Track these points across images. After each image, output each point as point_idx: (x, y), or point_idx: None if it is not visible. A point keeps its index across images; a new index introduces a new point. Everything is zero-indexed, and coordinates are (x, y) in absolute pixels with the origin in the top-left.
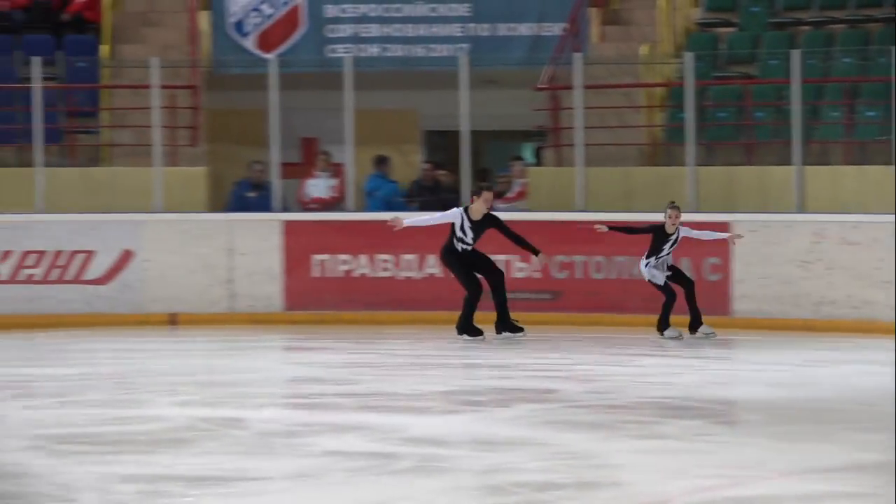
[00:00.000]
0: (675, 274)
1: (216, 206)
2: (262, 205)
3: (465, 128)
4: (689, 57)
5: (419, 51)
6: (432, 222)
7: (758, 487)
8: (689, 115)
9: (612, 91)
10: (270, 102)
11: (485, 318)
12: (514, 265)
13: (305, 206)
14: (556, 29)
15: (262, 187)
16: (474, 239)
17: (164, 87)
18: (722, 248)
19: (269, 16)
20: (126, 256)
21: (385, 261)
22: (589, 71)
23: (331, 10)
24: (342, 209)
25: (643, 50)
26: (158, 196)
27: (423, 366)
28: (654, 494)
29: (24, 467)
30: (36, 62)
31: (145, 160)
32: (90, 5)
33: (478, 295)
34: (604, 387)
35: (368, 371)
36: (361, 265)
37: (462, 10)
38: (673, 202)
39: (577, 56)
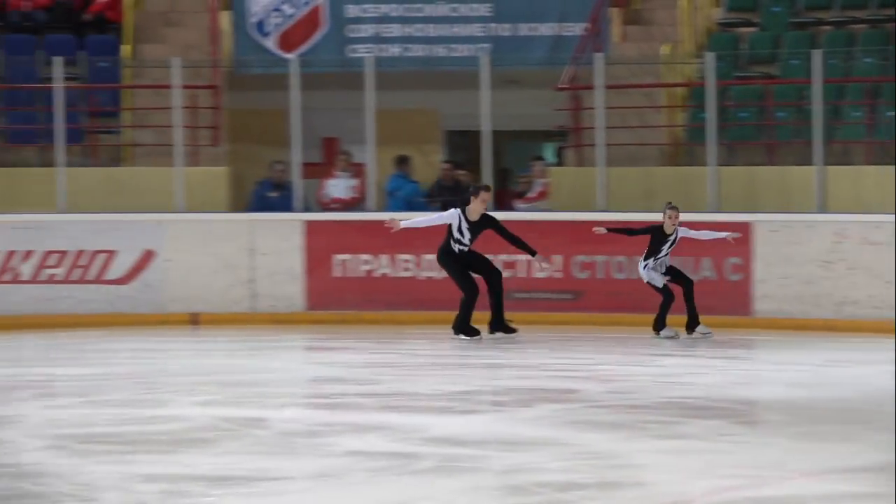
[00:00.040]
0: (674, 274)
1: (237, 206)
2: (284, 205)
3: (486, 128)
4: (710, 57)
5: (440, 51)
6: (429, 223)
7: (779, 488)
8: (711, 115)
9: (634, 91)
10: (291, 102)
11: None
12: (535, 265)
13: (325, 207)
14: (577, 29)
15: (283, 187)
16: (471, 240)
17: (185, 87)
18: (743, 248)
19: (291, 16)
20: (147, 256)
21: (406, 261)
22: (610, 71)
23: (352, 10)
24: (363, 209)
25: (664, 50)
26: (180, 196)
27: (445, 366)
28: (675, 494)
29: (45, 467)
30: (58, 62)
31: (167, 160)
32: (112, 5)
33: (475, 296)
34: (625, 387)
35: (390, 371)
36: (383, 265)
37: (483, 10)
38: (670, 202)
39: (599, 56)
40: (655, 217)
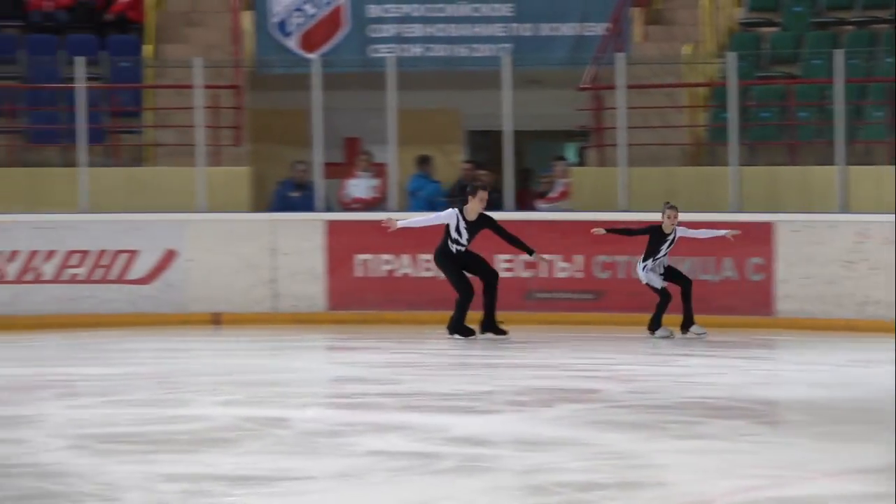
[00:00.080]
0: (672, 274)
1: (259, 206)
2: (305, 205)
3: (507, 128)
4: (731, 57)
5: (462, 51)
6: (427, 223)
7: (801, 488)
8: (732, 114)
9: (655, 91)
10: (313, 102)
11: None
12: (557, 265)
13: (347, 207)
14: (598, 29)
15: (305, 187)
16: (469, 240)
17: (207, 86)
18: (765, 248)
19: (312, 16)
20: (169, 256)
21: (427, 261)
22: (632, 71)
23: (374, 10)
24: (385, 209)
25: (686, 50)
26: (202, 196)
27: (466, 366)
28: (696, 494)
29: (67, 466)
30: (79, 62)
31: (188, 160)
32: (133, 5)
33: (470, 297)
34: (646, 387)
35: (411, 371)
36: (404, 265)
37: (505, 9)
38: (668, 202)
39: (620, 56)
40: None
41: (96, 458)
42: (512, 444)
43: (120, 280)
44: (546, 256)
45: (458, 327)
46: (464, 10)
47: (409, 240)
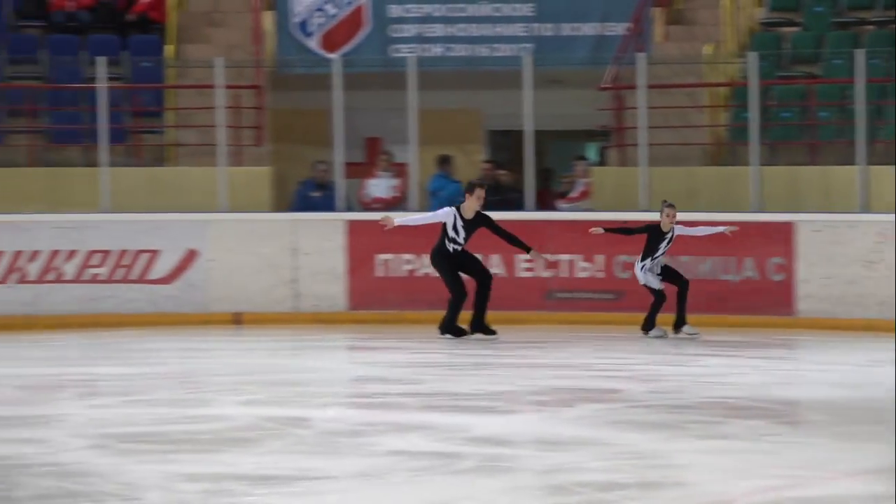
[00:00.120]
0: (669, 274)
1: (280, 206)
2: (326, 204)
3: (528, 127)
4: (752, 56)
5: (483, 50)
6: (424, 221)
7: (821, 488)
8: (753, 114)
9: (676, 91)
10: (334, 102)
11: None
12: (578, 265)
13: (367, 207)
14: (619, 29)
15: (325, 187)
16: (466, 238)
17: (228, 86)
18: (786, 248)
19: (333, 16)
20: (190, 256)
21: None
22: (652, 70)
23: (395, 10)
24: (405, 209)
25: (707, 49)
26: (223, 196)
27: (487, 365)
28: (717, 494)
29: (88, 466)
30: (101, 62)
31: (210, 160)
32: (155, 5)
33: (463, 298)
34: (667, 387)
35: (432, 371)
36: (425, 265)
37: (526, 9)
38: (666, 200)
39: (641, 56)
40: (700, 217)
41: (117, 458)
42: (532, 444)
43: (141, 280)
44: (564, 256)
45: (449, 327)
46: (485, 9)
47: (430, 240)
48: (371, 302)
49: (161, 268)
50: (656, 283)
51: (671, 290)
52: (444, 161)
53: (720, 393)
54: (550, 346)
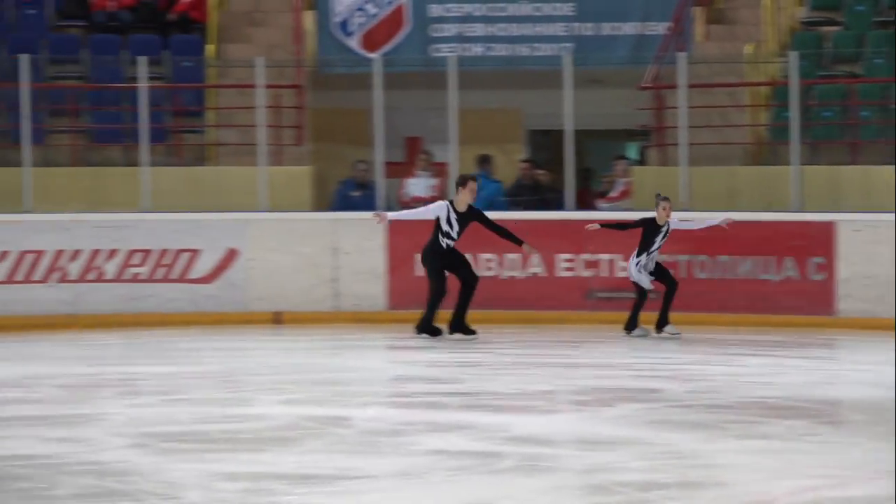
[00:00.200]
0: (661, 273)
1: (320, 206)
2: (367, 204)
3: (569, 127)
4: (793, 56)
5: (523, 50)
6: (418, 216)
7: (862, 488)
8: (794, 114)
9: (717, 90)
10: (375, 102)
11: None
12: (618, 265)
13: (406, 206)
14: (660, 28)
15: (366, 186)
16: (459, 233)
17: (269, 86)
18: (827, 248)
19: (374, 15)
20: (231, 255)
21: (489, 260)
22: (693, 70)
23: (435, 10)
24: None
25: (748, 49)
26: (263, 195)
27: (527, 365)
28: (757, 494)
29: (129, 465)
30: (142, 62)
31: (250, 159)
32: (196, 5)
33: (442, 296)
34: (707, 386)
35: (471, 370)
36: None
37: (566, 9)
38: (660, 193)
39: (682, 55)
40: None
41: (157, 457)
42: (572, 444)
43: (182, 279)
44: (604, 256)
45: (426, 326)
46: (525, 9)
47: (469, 239)
48: (411, 301)
49: (201, 267)
50: (647, 283)
51: (660, 289)
52: (484, 161)
53: (760, 393)
54: (590, 345)
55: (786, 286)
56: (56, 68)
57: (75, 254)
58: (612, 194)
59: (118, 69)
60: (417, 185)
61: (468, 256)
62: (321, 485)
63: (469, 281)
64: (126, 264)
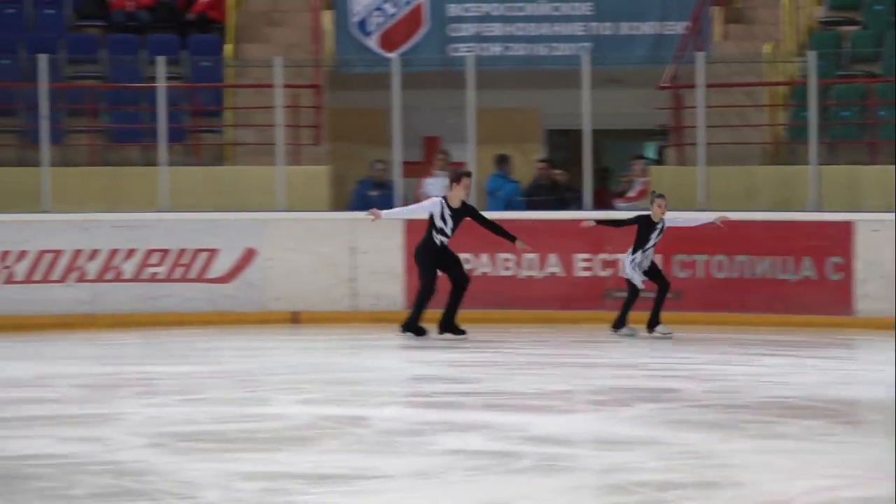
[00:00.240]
0: (654, 273)
1: (339, 205)
2: (385, 203)
3: (587, 127)
4: (812, 55)
5: (541, 50)
6: (412, 213)
7: (879, 488)
8: (812, 113)
9: (735, 90)
10: (393, 101)
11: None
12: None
13: None
14: (678, 28)
15: (384, 186)
16: (453, 229)
17: (287, 86)
18: (844, 247)
19: (392, 15)
20: (249, 255)
21: (506, 260)
22: (711, 69)
23: (453, 10)
24: None
25: (766, 48)
26: (281, 195)
27: (545, 365)
28: (774, 494)
29: (146, 464)
30: (161, 62)
31: (268, 159)
32: (214, 5)
33: (431, 295)
34: (725, 386)
35: (489, 370)
36: (483, 264)
37: (584, 8)
38: (654, 191)
39: (700, 55)
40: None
41: (175, 457)
42: (590, 444)
43: (200, 279)
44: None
45: (412, 326)
46: (543, 9)
47: (488, 238)
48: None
49: (219, 267)
50: (639, 282)
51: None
52: (502, 160)
53: (777, 392)
54: (608, 345)
55: (804, 286)
56: (74, 68)
57: (93, 253)
58: (630, 194)
59: (136, 69)
60: (435, 184)
61: (485, 257)
62: (338, 484)
63: (460, 282)
64: (144, 264)
